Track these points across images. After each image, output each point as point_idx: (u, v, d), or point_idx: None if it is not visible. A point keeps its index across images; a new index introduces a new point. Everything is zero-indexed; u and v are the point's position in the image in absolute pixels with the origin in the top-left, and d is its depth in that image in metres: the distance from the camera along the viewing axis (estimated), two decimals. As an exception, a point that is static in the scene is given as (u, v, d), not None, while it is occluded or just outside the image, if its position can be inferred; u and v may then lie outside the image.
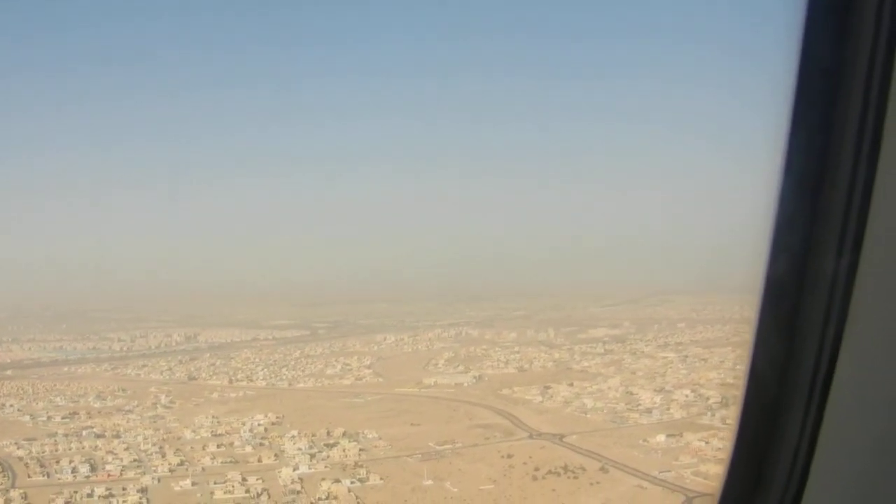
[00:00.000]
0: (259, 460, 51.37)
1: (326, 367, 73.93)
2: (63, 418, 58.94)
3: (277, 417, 58.96)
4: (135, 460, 51.09)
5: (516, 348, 77.29)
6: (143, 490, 46.58)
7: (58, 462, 50.05)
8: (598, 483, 46.93)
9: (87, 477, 48.26)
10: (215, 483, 47.38)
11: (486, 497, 45.65)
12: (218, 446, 53.67)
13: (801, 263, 3.06)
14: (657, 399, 58.60)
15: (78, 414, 59.99)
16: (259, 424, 57.50)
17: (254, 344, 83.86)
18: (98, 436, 55.39)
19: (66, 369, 73.31)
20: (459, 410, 60.92)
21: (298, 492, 46.57)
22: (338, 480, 47.82)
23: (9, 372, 71.58)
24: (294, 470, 49.47)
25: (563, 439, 54.01)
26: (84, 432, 55.74)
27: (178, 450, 52.97)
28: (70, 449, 52.50)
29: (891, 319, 2.87)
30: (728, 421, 53.34)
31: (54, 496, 44.81)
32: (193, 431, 56.46)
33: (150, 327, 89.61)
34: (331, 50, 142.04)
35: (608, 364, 68.73)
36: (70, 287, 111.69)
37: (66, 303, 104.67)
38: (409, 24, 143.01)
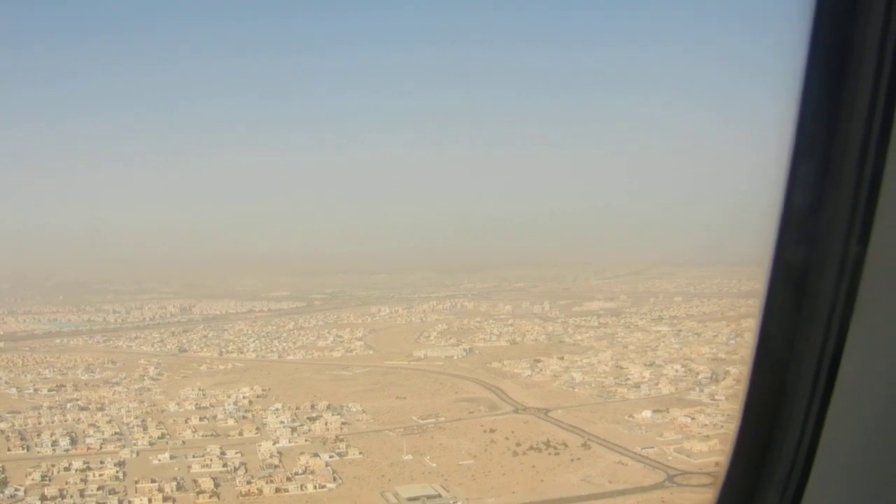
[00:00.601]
0: (240, 434, 51.22)
1: (318, 339, 73.66)
2: (50, 391, 59.15)
3: (263, 390, 58.79)
4: (116, 433, 51.14)
5: (510, 321, 76.52)
6: (121, 463, 46.55)
7: (39, 435, 50.22)
8: (578, 459, 46.25)
9: (67, 450, 48.31)
10: (194, 457, 47.27)
11: (465, 472, 45.07)
12: (201, 419, 53.60)
13: (809, 250, 3.03)
14: (646, 374, 57.78)
15: (65, 386, 60.18)
16: (244, 397, 57.37)
17: (249, 316, 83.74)
18: (82, 408, 55.53)
19: (58, 341, 73.59)
20: (446, 384, 60.39)
21: (276, 466, 46.31)
22: (316, 454, 47.56)
23: (1, 344, 71.77)
24: (274, 444, 49.29)
25: (549, 414, 53.37)
26: (69, 405, 55.93)
27: (160, 423, 52.97)
28: (53, 422, 52.67)
29: None
30: (716, 397, 52.41)
31: (31, 470, 44.82)
32: (178, 404, 56.45)
33: (146, 299, 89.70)
34: (329, 18, 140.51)
35: (601, 338, 67.81)
36: (73, 258, 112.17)
37: (67, 272, 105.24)
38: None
